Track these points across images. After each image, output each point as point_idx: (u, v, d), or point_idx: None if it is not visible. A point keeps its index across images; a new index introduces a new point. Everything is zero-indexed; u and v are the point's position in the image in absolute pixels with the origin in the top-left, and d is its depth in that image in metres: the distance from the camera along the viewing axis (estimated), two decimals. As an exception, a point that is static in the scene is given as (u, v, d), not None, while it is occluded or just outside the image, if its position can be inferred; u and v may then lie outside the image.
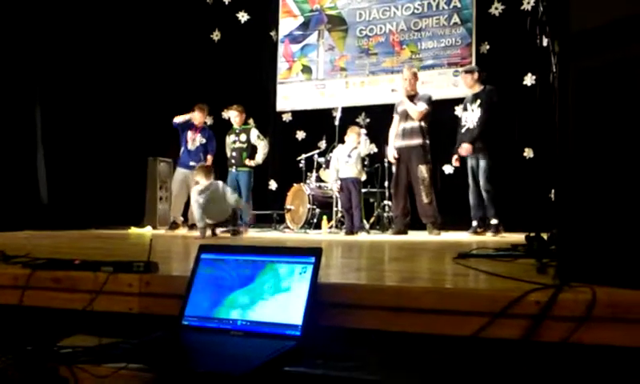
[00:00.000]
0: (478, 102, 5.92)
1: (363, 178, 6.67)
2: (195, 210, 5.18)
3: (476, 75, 6.03)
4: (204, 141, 7.01)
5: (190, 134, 6.96)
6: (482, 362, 1.43)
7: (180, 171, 6.95)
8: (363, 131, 6.94)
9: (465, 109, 6.12)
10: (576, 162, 1.58)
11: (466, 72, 6.19)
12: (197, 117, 6.95)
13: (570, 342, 1.35)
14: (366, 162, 7.00)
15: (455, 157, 6.14)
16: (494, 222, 5.80)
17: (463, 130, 6.06)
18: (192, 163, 6.77)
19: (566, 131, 1.61)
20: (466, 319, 1.44)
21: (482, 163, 5.86)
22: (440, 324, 1.47)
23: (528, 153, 7.17)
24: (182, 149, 6.98)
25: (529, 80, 7.24)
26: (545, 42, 2.22)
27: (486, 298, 1.45)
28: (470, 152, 5.87)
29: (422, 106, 5.98)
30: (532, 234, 2.33)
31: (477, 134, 5.82)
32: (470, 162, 6.03)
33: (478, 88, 6.03)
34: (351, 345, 1.52)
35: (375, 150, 7.73)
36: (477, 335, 1.41)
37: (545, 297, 1.39)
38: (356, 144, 6.42)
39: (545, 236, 2.37)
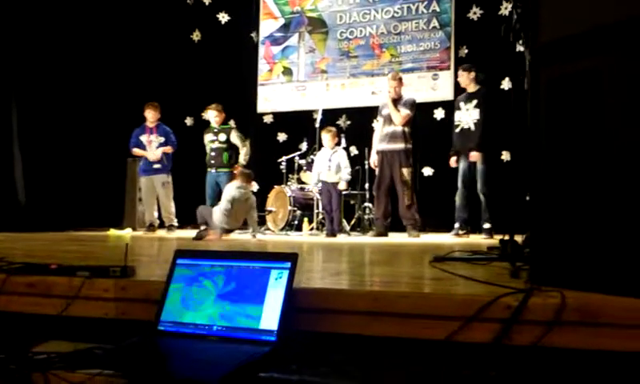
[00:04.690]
0: (475, 102, 5.90)
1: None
2: (220, 213, 5.41)
3: (472, 74, 6.00)
4: (162, 139, 6.73)
5: (144, 138, 6.72)
6: (457, 365, 1.46)
7: (144, 178, 6.76)
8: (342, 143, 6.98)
9: (458, 108, 6.07)
10: (546, 167, 1.62)
11: (463, 69, 6.12)
12: (149, 116, 6.73)
13: (540, 345, 1.38)
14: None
15: (454, 158, 6.11)
16: (486, 226, 5.79)
17: (458, 130, 6.02)
18: (155, 166, 6.65)
19: (537, 136, 1.65)
20: (440, 323, 1.47)
21: (480, 166, 5.83)
22: (414, 328, 1.49)
23: (505, 156, 7.25)
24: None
25: (506, 84, 7.32)
26: (519, 47, 2.26)
27: (458, 302, 1.48)
28: (477, 158, 5.80)
29: (404, 112, 6.01)
30: (506, 238, 2.36)
31: (478, 136, 5.80)
32: (463, 165, 6.00)
33: (473, 88, 6.01)
34: (328, 349, 1.53)
35: (356, 152, 7.76)
36: (450, 339, 1.43)
37: (516, 301, 1.42)
38: (333, 144, 6.46)
39: (519, 239, 2.41)
